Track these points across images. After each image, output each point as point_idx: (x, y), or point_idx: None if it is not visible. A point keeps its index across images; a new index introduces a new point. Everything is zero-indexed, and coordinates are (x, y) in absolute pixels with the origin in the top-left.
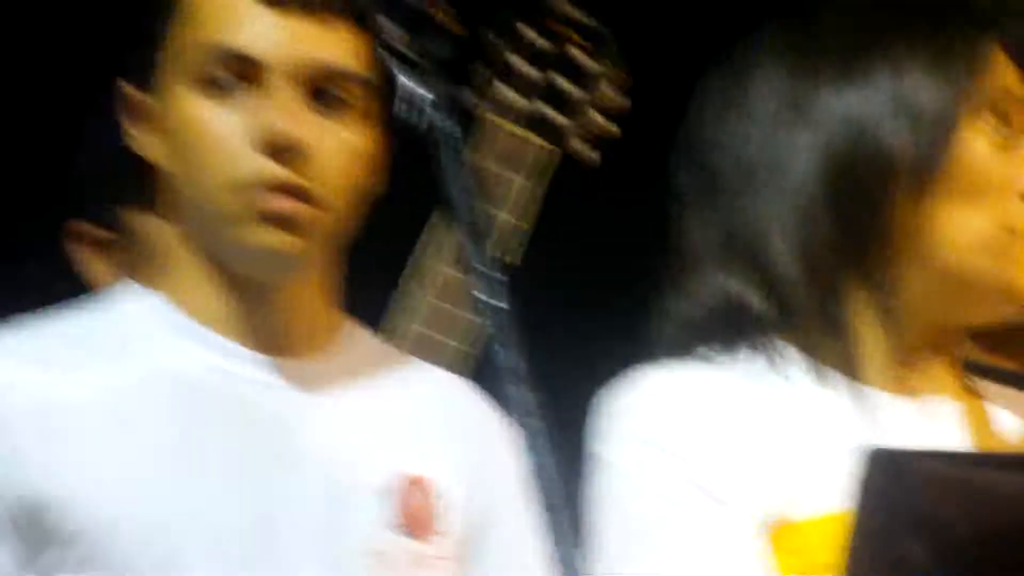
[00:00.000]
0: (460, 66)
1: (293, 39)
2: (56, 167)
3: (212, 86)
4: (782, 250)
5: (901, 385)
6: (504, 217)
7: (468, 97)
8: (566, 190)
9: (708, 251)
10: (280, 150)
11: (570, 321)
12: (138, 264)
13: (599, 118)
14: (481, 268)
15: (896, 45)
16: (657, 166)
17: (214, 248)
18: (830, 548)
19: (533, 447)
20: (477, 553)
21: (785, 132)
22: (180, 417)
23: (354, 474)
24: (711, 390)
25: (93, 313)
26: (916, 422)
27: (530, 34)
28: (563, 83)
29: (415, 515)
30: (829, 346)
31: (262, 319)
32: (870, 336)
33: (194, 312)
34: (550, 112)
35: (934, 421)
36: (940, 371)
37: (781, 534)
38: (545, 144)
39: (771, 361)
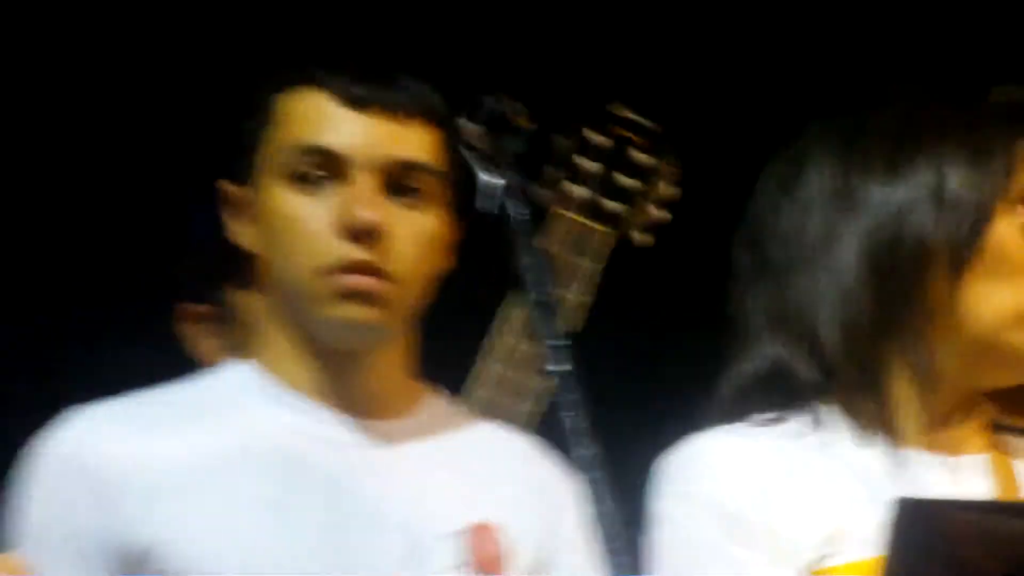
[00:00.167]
0: (532, 163)
1: (373, 137)
2: (166, 257)
3: (301, 180)
4: (827, 323)
5: (935, 444)
6: (569, 295)
7: (539, 192)
8: (625, 267)
9: (760, 324)
10: (360, 235)
11: (631, 385)
12: (238, 338)
13: (653, 208)
14: (549, 338)
15: (937, 144)
16: (705, 245)
17: (303, 322)
18: None
19: (594, 497)
20: None
21: (834, 218)
22: (271, 474)
23: (429, 522)
24: (758, 452)
25: (195, 384)
26: (948, 477)
27: (596, 138)
28: (622, 178)
29: (484, 557)
30: (869, 409)
31: (347, 384)
32: (907, 399)
33: (285, 379)
34: (610, 204)
35: (965, 476)
36: (970, 430)
37: None
38: (605, 230)
39: (815, 423)
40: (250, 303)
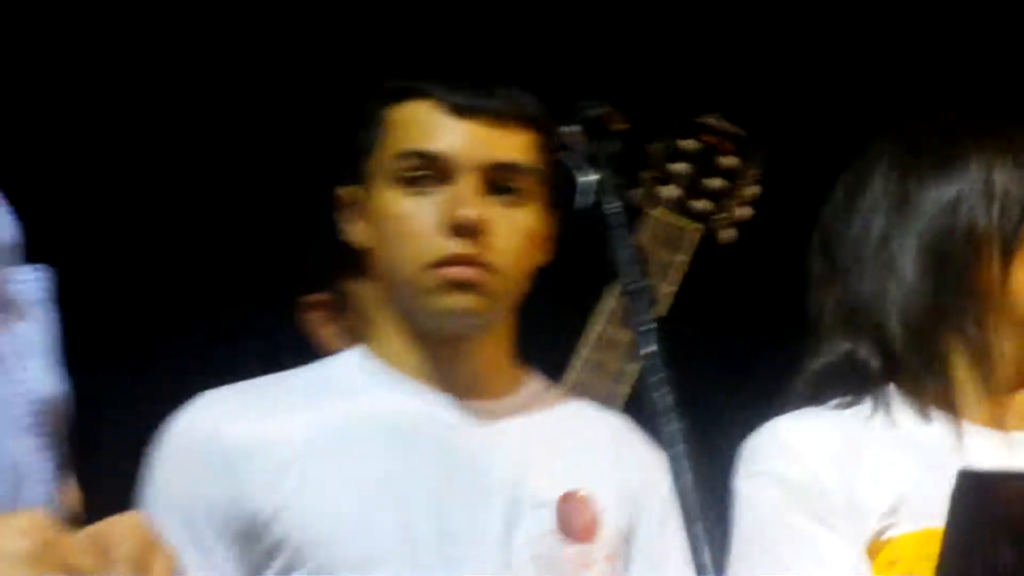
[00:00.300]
0: (627, 169)
1: (475, 141)
2: (291, 254)
3: (410, 183)
4: (891, 317)
5: (993, 419)
6: (659, 285)
7: (632, 193)
8: (710, 259)
9: (832, 321)
10: (463, 231)
11: (716, 373)
12: (354, 326)
13: (737, 207)
14: (639, 324)
15: (985, 147)
16: (784, 240)
17: (411, 312)
18: (925, 558)
19: (678, 471)
20: (628, 556)
21: (894, 221)
22: (385, 449)
23: (527, 492)
24: (828, 431)
25: (315, 369)
26: (1005, 451)
27: (686, 145)
28: (709, 180)
29: (576, 524)
30: (931, 389)
31: (452, 368)
32: (965, 379)
33: (395, 363)
34: (698, 202)
35: (1021, 450)
36: None
37: (881, 549)
38: (693, 226)
39: (882, 405)
40: (365, 294)
